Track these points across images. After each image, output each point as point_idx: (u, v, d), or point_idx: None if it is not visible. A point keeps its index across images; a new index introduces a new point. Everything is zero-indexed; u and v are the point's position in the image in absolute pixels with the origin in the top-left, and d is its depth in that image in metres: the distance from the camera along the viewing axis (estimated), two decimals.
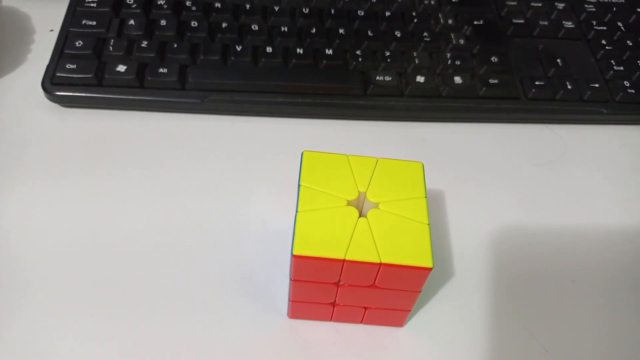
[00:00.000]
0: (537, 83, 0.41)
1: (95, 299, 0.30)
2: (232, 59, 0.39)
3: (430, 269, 0.25)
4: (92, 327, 0.29)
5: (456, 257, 0.34)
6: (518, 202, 0.37)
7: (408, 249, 0.25)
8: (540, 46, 0.44)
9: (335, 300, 0.28)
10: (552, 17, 0.46)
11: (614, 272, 0.34)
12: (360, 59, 0.40)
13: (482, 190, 0.37)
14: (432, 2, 0.45)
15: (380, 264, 0.25)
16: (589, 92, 0.41)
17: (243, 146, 0.38)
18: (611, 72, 0.42)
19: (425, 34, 0.42)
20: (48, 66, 0.38)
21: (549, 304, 0.32)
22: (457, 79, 0.40)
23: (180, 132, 0.38)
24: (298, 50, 0.40)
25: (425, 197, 0.28)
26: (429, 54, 0.42)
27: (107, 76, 0.38)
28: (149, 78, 0.38)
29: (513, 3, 0.46)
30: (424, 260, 0.25)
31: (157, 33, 0.40)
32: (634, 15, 0.46)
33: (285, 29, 0.41)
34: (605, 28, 0.45)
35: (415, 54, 0.41)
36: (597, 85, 0.41)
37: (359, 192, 0.27)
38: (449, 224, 0.35)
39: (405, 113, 0.40)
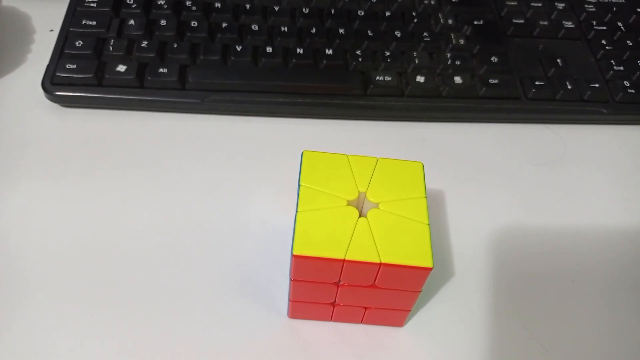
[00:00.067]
0: (537, 83, 0.41)
1: (95, 299, 0.30)
2: (232, 59, 0.39)
3: (430, 269, 0.25)
4: (92, 327, 0.29)
5: (456, 257, 0.34)
6: (518, 202, 0.37)
7: (408, 249, 0.25)
8: (540, 46, 0.44)
9: (335, 300, 0.28)
10: (552, 17, 0.46)
11: (614, 272, 0.34)
12: (360, 59, 0.40)
13: (482, 190, 0.37)
14: (432, 2, 0.45)
15: (380, 264, 0.25)
16: (589, 92, 0.41)
17: (243, 146, 0.38)
18: (611, 72, 0.42)
19: (425, 34, 0.42)
20: (48, 66, 0.38)
21: (549, 304, 0.32)
22: (457, 79, 0.40)
23: (180, 132, 0.38)
24: (298, 50, 0.40)
25: (425, 197, 0.28)
26: (429, 54, 0.42)
27: (107, 76, 0.38)
28: (149, 78, 0.38)
29: (513, 3, 0.46)
30: (424, 260, 0.25)
31: (157, 33, 0.40)
32: (634, 15, 0.46)
33: (285, 29, 0.41)
34: (605, 28, 0.45)
35: (415, 54, 0.41)
36: (597, 85, 0.41)
37: (359, 192, 0.27)
38: (449, 224, 0.35)
39: (405, 113, 0.40)
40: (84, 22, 0.40)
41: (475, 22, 0.44)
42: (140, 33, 0.40)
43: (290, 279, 0.27)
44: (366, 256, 0.25)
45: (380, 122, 0.40)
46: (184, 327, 0.30)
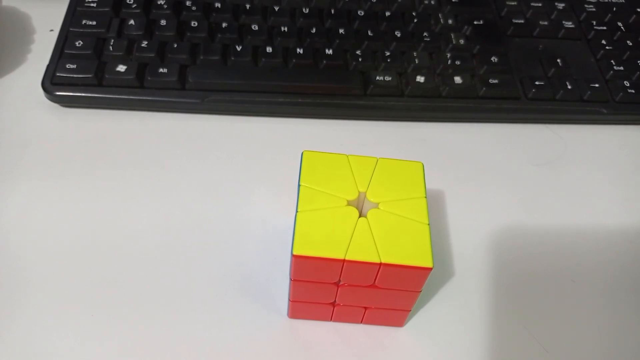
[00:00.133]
0: (537, 83, 0.41)
1: (95, 299, 0.30)
2: (232, 59, 0.39)
3: (430, 269, 0.25)
4: (92, 327, 0.29)
5: (456, 257, 0.34)
6: (518, 202, 0.37)
7: (408, 249, 0.25)
8: (540, 46, 0.44)
9: (335, 300, 0.28)
10: (552, 17, 0.46)
11: (614, 272, 0.34)
12: (360, 59, 0.40)
13: (482, 190, 0.37)
14: (432, 2, 0.45)
15: (380, 264, 0.25)
16: (589, 92, 0.41)
17: (243, 146, 0.38)
18: (611, 72, 0.42)
19: (425, 34, 0.42)
20: (48, 66, 0.38)
21: (549, 304, 0.32)
22: (457, 79, 0.40)
23: (180, 132, 0.38)
24: (298, 50, 0.40)
25: (425, 197, 0.28)
26: (429, 54, 0.42)
27: (107, 76, 0.38)
28: (149, 78, 0.38)
29: (513, 3, 0.46)
30: (424, 260, 0.25)
31: (157, 33, 0.40)
32: (634, 15, 0.46)
33: (285, 29, 0.41)
34: (605, 28, 0.45)
35: (415, 54, 0.41)
36: (597, 85, 0.41)
37: (359, 192, 0.27)
38: (449, 224, 0.35)
39: (405, 113, 0.40)
40: (84, 22, 0.40)
41: (475, 22, 0.44)
42: (140, 33, 0.40)
43: (290, 279, 0.27)
44: (366, 256, 0.25)
45: (380, 122, 0.40)
46: (184, 327, 0.30)
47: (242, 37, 0.41)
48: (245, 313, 0.30)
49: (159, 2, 0.42)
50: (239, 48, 0.40)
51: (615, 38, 0.45)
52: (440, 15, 0.44)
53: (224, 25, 0.41)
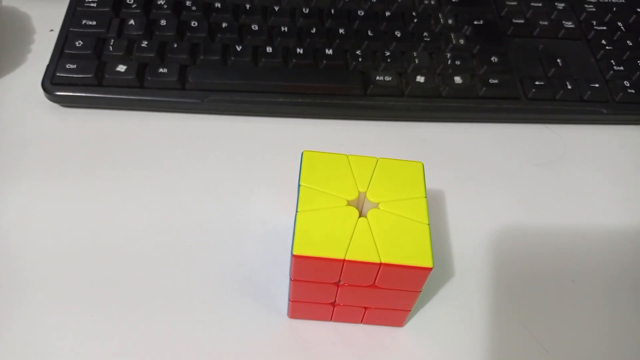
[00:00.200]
0: (537, 83, 0.41)
1: (95, 299, 0.30)
2: (232, 59, 0.39)
3: (430, 269, 0.25)
4: (92, 327, 0.29)
5: (456, 257, 0.34)
6: (518, 202, 0.37)
7: (408, 249, 0.25)
8: (540, 46, 0.44)
9: (335, 300, 0.28)
10: (552, 17, 0.46)
11: (614, 272, 0.34)
12: (360, 59, 0.40)
13: (482, 190, 0.37)
14: (432, 2, 0.45)
15: (380, 264, 0.25)
16: (589, 92, 0.41)
17: (243, 146, 0.38)
18: (611, 72, 0.42)
19: (425, 34, 0.42)
20: (48, 66, 0.38)
21: (549, 304, 0.32)
22: (457, 79, 0.40)
23: (180, 132, 0.38)
24: (298, 50, 0.40)
25: (425, 197, 0.28)
26: (429, 54, 0.42)
27: (107, 76, 0.38)
28: (149, 78, 0.38)
29: (513, 3, 0.46)
30: (424, 260, 0.25)
31: (157, 33, 0.40)
32: (634, 15, 0.46)
33: (285, 29, 0.41)
34: (605, 28, 0.45)
35: (415, 54, 0.41)
36: (597, 85, 0.41)
37: (359, 192, 0.27)
38: (449, 224, 0.35)
39: (405, 113, 0.40)
40: (84, 22, 0.40)
41: (475, 22, 0.44)
42: (140, 33, 0.40)
43: (290, 279, 0.27)
44: (366, 256, 0.25)
45: (380, 122, 0.40)
46: (184, 327, 0.30)
47: (242, 37, 0.41)
48: (245, 313, 0.30)
49: (159, 2, 0.42)
50: (239, 48, 0.40)
51: (615, 38, 0.45)
52: (440, 15, 0.44)
53: (224, 25, 0.41)
